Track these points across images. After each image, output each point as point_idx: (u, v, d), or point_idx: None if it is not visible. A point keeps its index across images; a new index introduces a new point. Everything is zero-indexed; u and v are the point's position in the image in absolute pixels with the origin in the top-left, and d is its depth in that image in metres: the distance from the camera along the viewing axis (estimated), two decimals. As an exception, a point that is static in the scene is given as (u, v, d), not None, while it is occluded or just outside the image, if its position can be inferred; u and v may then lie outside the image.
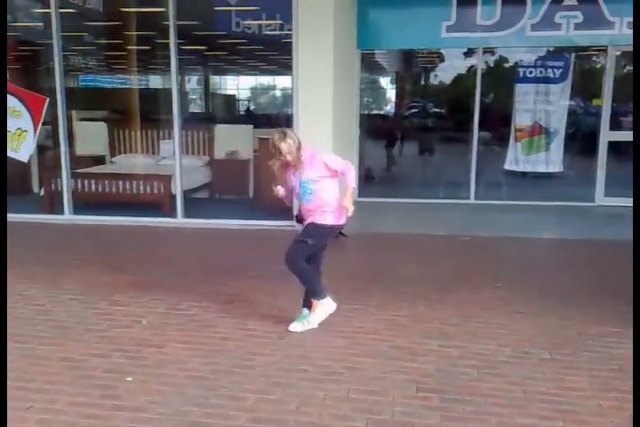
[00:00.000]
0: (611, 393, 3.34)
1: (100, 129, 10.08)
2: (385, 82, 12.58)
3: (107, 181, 8.44)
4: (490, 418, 3.08)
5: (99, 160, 9.87)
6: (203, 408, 3.15)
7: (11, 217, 6.24)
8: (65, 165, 8.05)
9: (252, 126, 9.76)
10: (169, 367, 3.64)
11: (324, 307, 4.20)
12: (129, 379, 3.48)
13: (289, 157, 4.02)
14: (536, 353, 3.87)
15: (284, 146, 3.97)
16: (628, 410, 3.14)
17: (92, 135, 9.81)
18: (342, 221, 4.21)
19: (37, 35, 8.97)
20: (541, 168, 9.19)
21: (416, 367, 3.67)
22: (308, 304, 4.29)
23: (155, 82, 12.61)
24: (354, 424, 3.02)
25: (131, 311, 4.61)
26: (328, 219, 4.12)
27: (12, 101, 7.71)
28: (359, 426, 3.00)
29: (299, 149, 4.02)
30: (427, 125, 11.04)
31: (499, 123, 9.57)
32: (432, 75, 11.38)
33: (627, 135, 9.08)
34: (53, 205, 8.32)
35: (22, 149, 7.93)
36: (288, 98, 8.02)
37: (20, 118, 7.80)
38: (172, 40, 7.53)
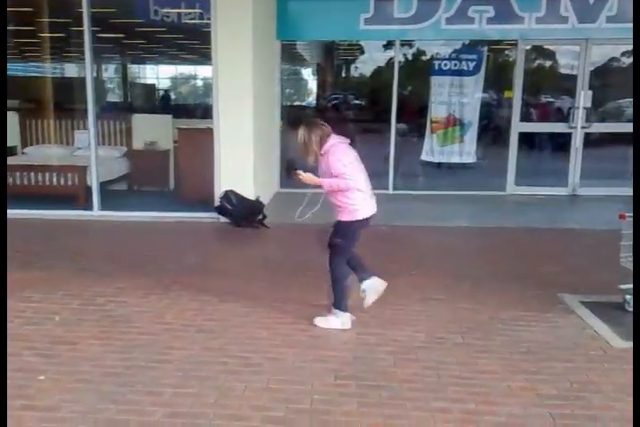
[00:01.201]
0: (520, 375, 3.49)
1: (11, 119, 9.65)
2: (306, 73, 12.58)
3: (18, 173, 8.12)
4: (405, 403, 3.16)
5: (10, 151, 9.46)
6: (118, 405, 3.10)
7: None
8: (-28, 157, 7.68)
9: (171, 116, 9.60)
10: (83, 364, 3.55)
11: (339, 320, 4.16)
12: (41, 378, 3.38)
13: (300, 148, 4.09)
14: (450, 338, 4.00)
15: (297, 136, 4.07)
16: (535, 390, 3.30)
17: (1, 125, 9.39)
18: (364, 215, 4.10)
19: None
20: (456, 159, 9.44)
21: (335, 356, 3.73)
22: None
23: (70, 70, 12.14)
24: (273, 414, 3.04)
25: (43, 308, 4.46)
26: (345, 215, 4.10)
27: None
28: (278, 416, 3.03)
29: (310, 142, 4.04)
30: (348, 117, 11.12)
31: (416, 115, 9.75)
32: (352, 67, 11.47)
33: (536, 127, 9.49)
34: (-39, 198, 7.93)
35: None
36: (209, 88, 7.90)
37: None
38: (86, 27, 7.33)
